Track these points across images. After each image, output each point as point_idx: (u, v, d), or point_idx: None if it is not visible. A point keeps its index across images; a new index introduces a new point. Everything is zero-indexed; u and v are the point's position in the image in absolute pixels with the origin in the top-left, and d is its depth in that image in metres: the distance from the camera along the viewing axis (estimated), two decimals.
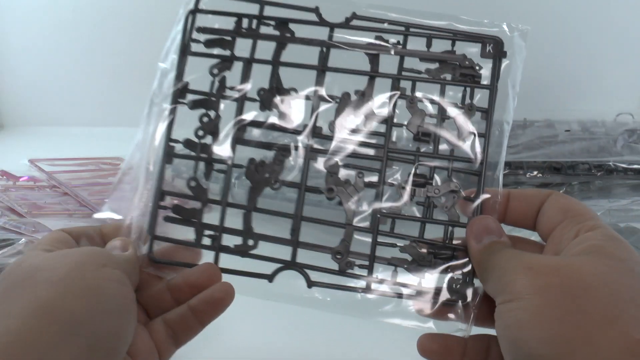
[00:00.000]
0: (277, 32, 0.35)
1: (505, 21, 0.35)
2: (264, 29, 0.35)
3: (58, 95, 0.97)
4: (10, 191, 0.60)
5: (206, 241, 0.34)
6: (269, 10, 0.36)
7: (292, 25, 0.36)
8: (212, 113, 0.35)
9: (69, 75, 0.96)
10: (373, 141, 0.34)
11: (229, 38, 0.35)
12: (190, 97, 0.35)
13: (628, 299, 0.24)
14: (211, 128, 0.35)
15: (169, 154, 0.35)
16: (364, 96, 0.34)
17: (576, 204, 0.30)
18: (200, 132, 0.35)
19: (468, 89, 0.34)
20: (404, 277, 0.33)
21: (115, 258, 0.31)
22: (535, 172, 0.63)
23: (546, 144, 0.68)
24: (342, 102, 0.34)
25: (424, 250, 0.33)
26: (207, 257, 0.35)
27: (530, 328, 0.24)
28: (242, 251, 0.34)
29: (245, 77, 0.35)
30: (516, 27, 0.35)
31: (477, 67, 0.34)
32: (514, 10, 0.85)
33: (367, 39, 0.35)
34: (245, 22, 0.36)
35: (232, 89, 0.35)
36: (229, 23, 0.36)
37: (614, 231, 0.28)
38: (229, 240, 0.34)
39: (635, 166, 0.63)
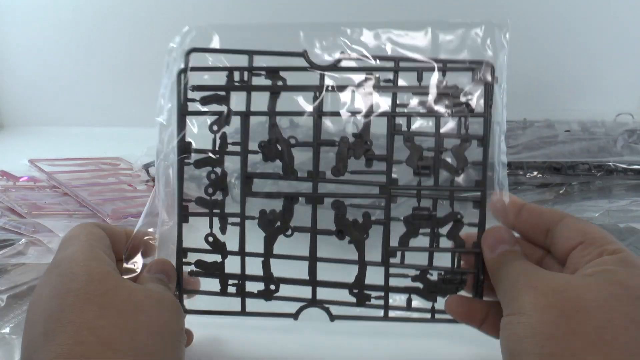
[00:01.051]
0: (269, 81, 0.36)
1: (490, 20, 0.35)
2: (255, 79, 0.36)
3: (58, 95, 0.97)
4: (10, 191, 0.60)
5: (231, 289, 0.37)
6: (258, 60, 0.37)
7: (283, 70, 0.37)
8: (218, 170, 0.36)
9: (69, 75, 0.96)
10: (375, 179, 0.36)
11: (223, 93, 0.36)
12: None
13: (622, 325, 0.25)
14: (219, 184, 0.36)
15: (184, 214, 0.36)
16: (361, 138, 0.35)
17: (593, 226, 0.31)
18: (210, 190, 0.36)
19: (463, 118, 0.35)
20: (419, 301, 0.36)
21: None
22: (535, 173, 0.63)
23: (546, 144, 0.68)
24: (341, 146, 0.35)
25: (434, 278, 0.36)
26: (234, 303, 0.37)
27: (527, 343, 0.26)
28: (266, 296, 0.37)
29: (244, 131, 0.36)
30: (496, 24, 0.35)
31: (470, 97, 0.35)
32: (513, 11, 0.85)
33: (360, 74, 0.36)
34: (237, 75, 0.36)
35: (234, 144, 0.36)
36: (221, 77, 0.36)
37: (634, 257, 0.28)
38: (252, 286, 0.37)
39: (635, 166, 0.63)
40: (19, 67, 0.96)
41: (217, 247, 0.37)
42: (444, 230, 0.35)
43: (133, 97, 0.93)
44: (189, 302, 0.37)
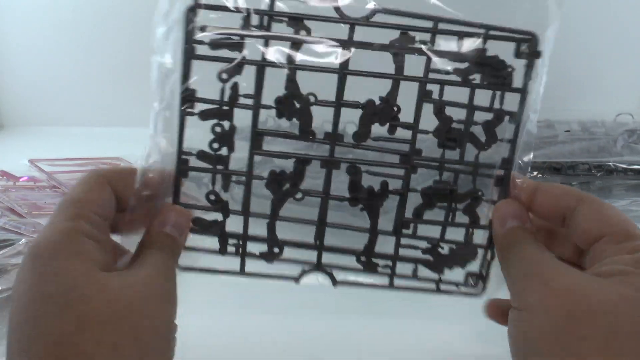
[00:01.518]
0: (290, 29, 0.32)
1: None
2: (275, 26, 0.32)
3: (58, 95, 0.97)
4: (10, 191, 0.60)
5: (230, 249, 0.35)
6: (279, 5, 0.32)
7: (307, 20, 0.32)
8: (225, 123, 0.33)
9: (69, 75, 0.96)
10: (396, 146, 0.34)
11: (237, 38, 0.32)
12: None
13: (631, 331, 0.24)
14: (226, 139, 0.33)
15: (183, 168, 0.33)
16: (388, 102, 0.33)
17: (614, 215, 0.29)
18: (215, 145, 0.33)
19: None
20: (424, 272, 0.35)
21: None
22: (535, 173, 0.63)
23: (546, 144, 0.68)
24: (367, 110, 0.33)
25: (445, 252, 0.35)
26: (234, 263, 0.35)
27: (534, 343, 0.26)
28: (267, 258, 0.35)
29: (258, 83, 0.32)
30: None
31: (510, 69, 0.32)
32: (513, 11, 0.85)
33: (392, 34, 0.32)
34: (254, 20, 0.32)
35: (246, 96, 0.33)
36: (235, 20, 0.32)
37: None
38: (253, 247, 0.35)
39: (635, 166, 0.63)
40: (19, 67, 0.96)
41: (219, 205, 0.34)
42: (460, 204, 0.34)
43: (133, 97, 0.92)
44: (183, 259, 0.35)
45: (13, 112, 0.99)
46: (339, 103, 0.33)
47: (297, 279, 0.35)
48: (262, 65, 0.32)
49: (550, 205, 0.31)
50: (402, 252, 0.35)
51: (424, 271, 0.36)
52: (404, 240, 0.35)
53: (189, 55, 0.32)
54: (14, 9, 0.92)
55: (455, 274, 0.36)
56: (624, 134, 0.69)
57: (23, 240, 0.48)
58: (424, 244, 0.35)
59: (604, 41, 0.88)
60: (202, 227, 0.34)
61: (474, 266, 0.35)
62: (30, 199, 0.58)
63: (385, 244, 0.36)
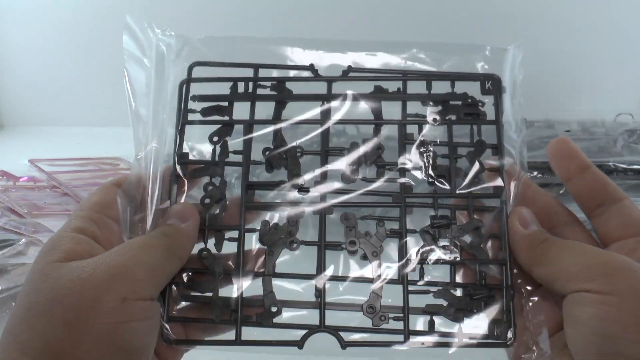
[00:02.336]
0: (274, 93, 0.34)
1: (497, 34, 0.35)
2: (260, 90, 0.35)
3: (58, 95, 0.97)
4: (10, 191, 0.61)
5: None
6: (263, 72, 0.35)
7: (289, 83, 0.35)
8: (216, 180, 0.33)
9: (69, 75, 0.96)
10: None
11: (225, 104, 0.34)
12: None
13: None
14: (217, 195, 0.33)
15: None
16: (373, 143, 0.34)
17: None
18: (207, 201, 0.33)
19: (475, 127, 0.34)
20: (442, 323, 0.32)
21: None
22: (535, 173, 0.63)
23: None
24: (352, 153, 0.34)
25: (459, 293, 0.32)
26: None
27: (618, 326, 0.25)
28: (265, 321, 0.32)
29: (247, 140, 0.34)
30: (499, 49, 0.36)
31: (480, 104, 0.34)
32: (513, 12, 0.85)
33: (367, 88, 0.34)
34: (240, 86, 0.34)
35: (235, 153, 0.34)
36: (223, 88, 0.35)
37: None
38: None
39: (635, 166, 0.63)
40: (19, 67, 0.96)
41: (212, 263, 0.32)
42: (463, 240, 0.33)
43: None
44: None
45: (13, 112, 0.99)
46: (324, 150, 0.34)
47: (300, 344, 0.31)
48: (250, 123, 0.34)
49: (597, 187, 0.32)
50: (413, 301, 0.32)
51: (440, 321, 0.32)
52: (412, 287, 0.32)
53: (184, 121, 0.34)
54: (14, 9, 0.92)
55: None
56: (624, 134, 0.69)
57: (23, 240, 0.48)
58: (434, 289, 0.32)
59: (603, 41, 0.88)
60: (194, 287, 0.32)
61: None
62: (30, 199, 0.58)
63: (394, 293, 0.32)
